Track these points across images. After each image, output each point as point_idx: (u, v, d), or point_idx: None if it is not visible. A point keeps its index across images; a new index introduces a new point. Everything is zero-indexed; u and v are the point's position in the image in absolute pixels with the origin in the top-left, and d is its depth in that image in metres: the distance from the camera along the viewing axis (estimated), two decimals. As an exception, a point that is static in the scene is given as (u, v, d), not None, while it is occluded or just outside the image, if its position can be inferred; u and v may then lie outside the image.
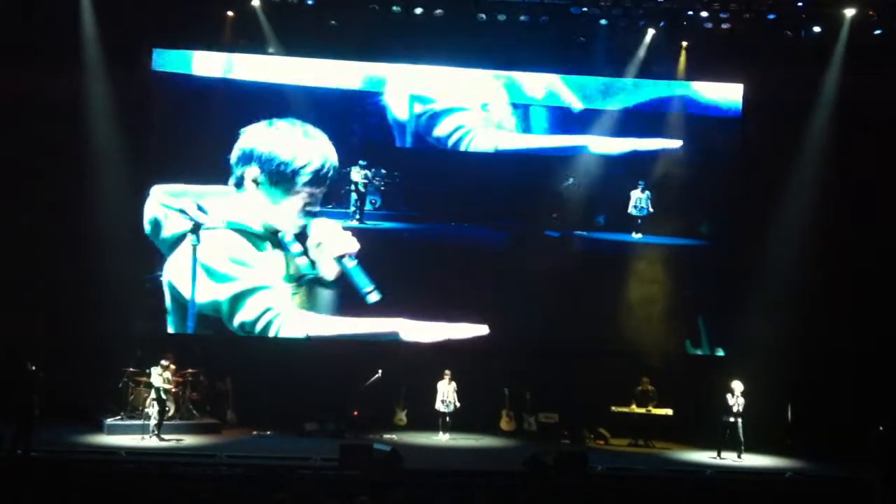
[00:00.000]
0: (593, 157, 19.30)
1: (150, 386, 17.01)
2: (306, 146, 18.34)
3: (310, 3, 18.62)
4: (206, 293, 18.40)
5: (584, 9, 18.50)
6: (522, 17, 18.51)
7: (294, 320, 18.59)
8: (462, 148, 18.93)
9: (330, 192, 18.43)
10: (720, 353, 19.96)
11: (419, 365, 19.02)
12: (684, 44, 19.71)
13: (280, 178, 18.14)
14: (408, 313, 18.69)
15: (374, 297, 18.37)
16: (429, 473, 14.72)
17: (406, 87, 19.35)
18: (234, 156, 18.39)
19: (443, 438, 18.55)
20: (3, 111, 18.21)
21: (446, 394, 18.64)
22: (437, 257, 19.03)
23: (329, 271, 18.45)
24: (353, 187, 18.55)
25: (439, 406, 18.64)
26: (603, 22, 18.87)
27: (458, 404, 18.64)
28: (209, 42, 19.20)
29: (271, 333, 18.50)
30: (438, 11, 18.39)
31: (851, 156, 19.00)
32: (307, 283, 18.66)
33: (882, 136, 19.06)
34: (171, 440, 16.96)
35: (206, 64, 19.30)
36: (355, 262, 18.29)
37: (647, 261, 19.60)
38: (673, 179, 19.29)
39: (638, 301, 19.53)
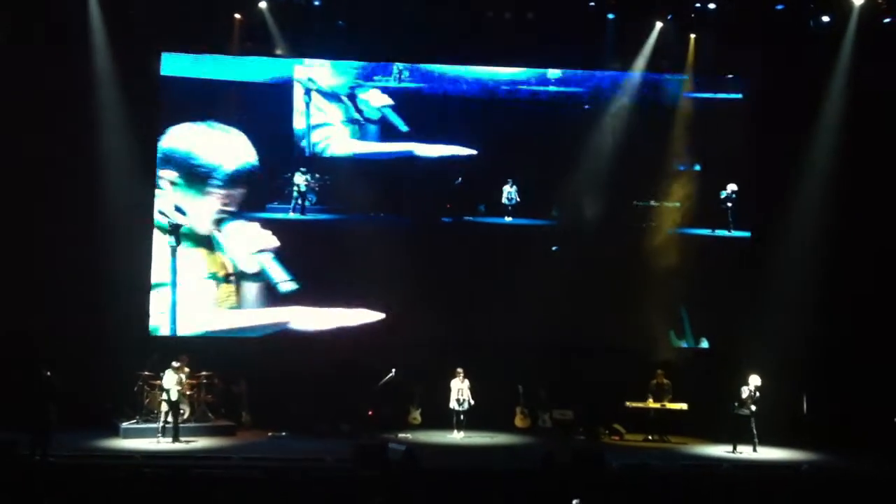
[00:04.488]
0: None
1: (163, 389, 17.06)
2: (222, 148, 19.70)
3: (317, 4, 18.68)
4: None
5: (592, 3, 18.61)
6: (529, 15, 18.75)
7: (189, 316, 19.39)
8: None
9: (275, 192, 20.19)
10: (704, 344, 20.19)
11: (433, 363, 19.05)
12: (693, 36, 19.71)
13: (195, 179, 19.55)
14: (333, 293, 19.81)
15: (287, 287, 19.68)
16: (444, 472, 14.71)
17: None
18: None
19: (457, 437, 18.55)
20: (9, 114, 18.21)
21: (460, 392, 18.63)
22: (358, 240, 19.86)
23: (249, 266, 19.82)
24: (295, 189, 20.24)
25: (454, 404, 18.62)
26: (610, 16, 18.91)
27: (472, 402, 18.63)
28: (218, 45, 19.31)
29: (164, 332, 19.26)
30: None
31: (860, 146, 18.88)
32: (236, 280, 19.73)
33: (891, 126, 18.94)
34: (186, 442, 17.02)
35: (215, 66, 19.63)
36: (271, 255, 19.64)
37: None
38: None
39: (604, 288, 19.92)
